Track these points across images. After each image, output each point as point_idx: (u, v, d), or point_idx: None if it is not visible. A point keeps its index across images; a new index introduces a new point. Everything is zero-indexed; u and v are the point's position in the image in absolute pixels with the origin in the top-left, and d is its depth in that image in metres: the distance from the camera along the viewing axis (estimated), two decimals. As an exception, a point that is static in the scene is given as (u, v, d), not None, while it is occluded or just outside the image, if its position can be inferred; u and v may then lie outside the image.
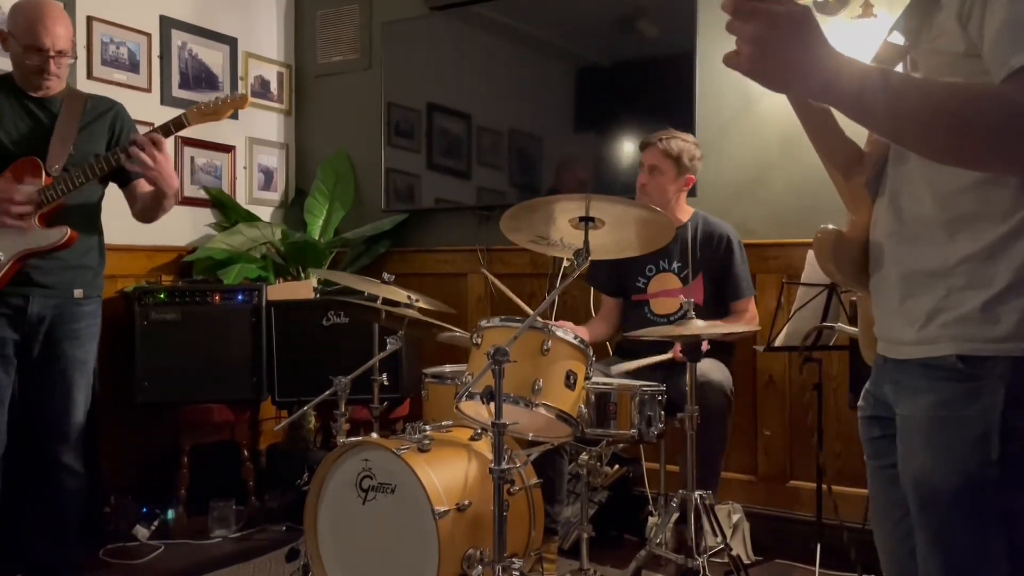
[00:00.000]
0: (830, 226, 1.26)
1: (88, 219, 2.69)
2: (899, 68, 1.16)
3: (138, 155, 2.52)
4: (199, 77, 3.99)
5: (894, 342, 1.16)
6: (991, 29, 0.98)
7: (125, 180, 2.72)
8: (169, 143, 2.65)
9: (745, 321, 2.95)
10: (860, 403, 1.28)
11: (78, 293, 2.64)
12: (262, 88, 4.34)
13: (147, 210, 2.73)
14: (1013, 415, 1.01)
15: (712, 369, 2.81)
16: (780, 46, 0.93)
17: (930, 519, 1.10)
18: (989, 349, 1.03)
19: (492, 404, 1.90)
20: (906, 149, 1.09)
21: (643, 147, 3.04)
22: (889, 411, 1.18)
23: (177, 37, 3.89)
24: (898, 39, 1.14)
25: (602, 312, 3.29)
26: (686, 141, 2.99)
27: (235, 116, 4.21)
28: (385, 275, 2.65)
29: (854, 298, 2.18)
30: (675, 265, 3.01)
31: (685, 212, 3.07)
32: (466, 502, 2.17)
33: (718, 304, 2.99)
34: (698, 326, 2.43)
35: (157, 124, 3.64)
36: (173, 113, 3.83)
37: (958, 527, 1.06)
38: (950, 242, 1.07)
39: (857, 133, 1.23)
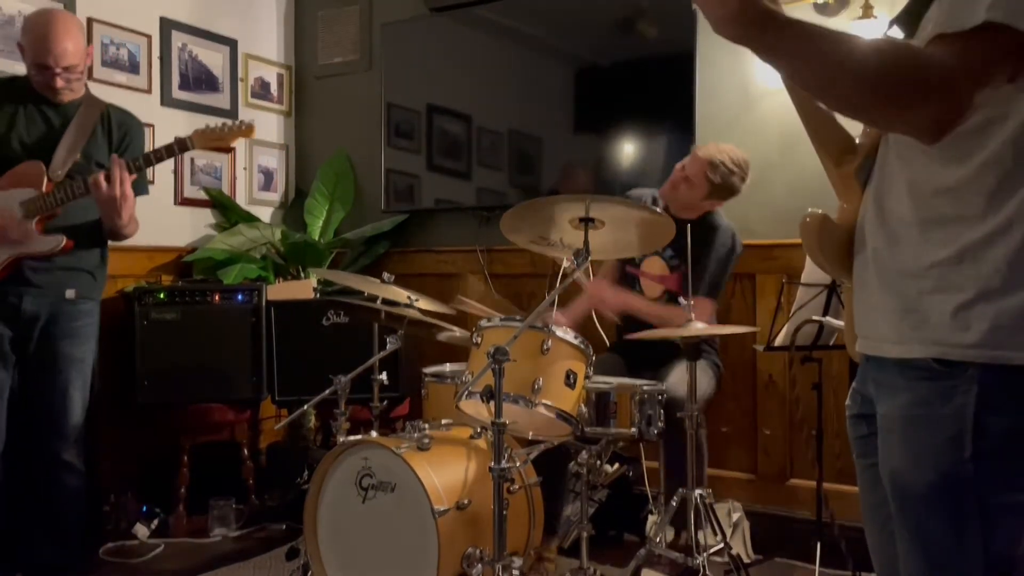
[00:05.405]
0: (818, 210, 1.27)
1: (89, 225, 2.68)
2: None
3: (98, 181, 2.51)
4: (199, 79, 3.99)
5: (873, 339, 1.17)
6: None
7: None
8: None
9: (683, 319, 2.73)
10: (848, 402, 1.29)
11: (70, 294, 2.65)
12: (262, 89, 4.34)
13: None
14: (985, 414, 1.02)
15: (678, 384, 2.67)
16: None
17: (908, 517, 1.11)
18: (959, 355, 1.04)
19: (492, 403, 1.91)
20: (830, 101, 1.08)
21: (696, 151, 2.91)
22: (875, 409, 1.19)
23: (177, 38, 3.89)
24: (897, 33, 1.15)
25: (597, 278, 3.16)
26: (733, 172, 2.83)
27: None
28: (385, 275, 2.65)
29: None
30: (667, 252, 2.98)
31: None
32: (466, 501, 2.17)
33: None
34: (697, 327, 2.43)
35: (157, 126, 3.70)
36: (173, 114, 3.90)
37: (935, 524, 1.07)
38: (923, 243, 1.08)
39: (852, 124, 1.24)
